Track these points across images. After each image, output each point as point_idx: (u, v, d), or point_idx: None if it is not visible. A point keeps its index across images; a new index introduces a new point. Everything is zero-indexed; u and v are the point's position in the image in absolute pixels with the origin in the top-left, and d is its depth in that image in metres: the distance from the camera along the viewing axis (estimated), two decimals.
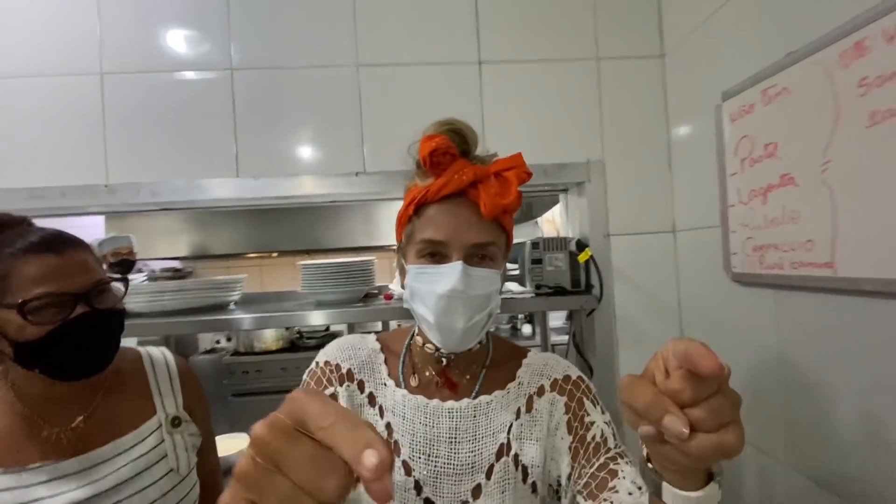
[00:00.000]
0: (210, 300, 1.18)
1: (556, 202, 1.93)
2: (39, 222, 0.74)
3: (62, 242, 0.67)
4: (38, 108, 1.05)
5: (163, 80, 1.08)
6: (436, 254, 0.60)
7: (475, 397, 0.64)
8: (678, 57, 1.12)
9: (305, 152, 1.11)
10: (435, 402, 0.63)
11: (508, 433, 0.62)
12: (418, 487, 0.60)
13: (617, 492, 0.54)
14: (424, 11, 1.12)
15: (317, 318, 1.08)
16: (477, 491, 0.60)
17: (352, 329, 1.93)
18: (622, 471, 0.56)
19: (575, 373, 0.67)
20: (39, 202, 1.02)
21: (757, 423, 0.90)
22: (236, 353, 2.92)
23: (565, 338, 1.26)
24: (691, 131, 1.09)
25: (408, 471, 0.61)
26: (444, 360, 0.65)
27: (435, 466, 0.60)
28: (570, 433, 0.62)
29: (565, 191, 1.27)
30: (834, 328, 0.73)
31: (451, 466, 0.60)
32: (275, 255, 3.04)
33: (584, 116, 1.15)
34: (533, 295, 1.12)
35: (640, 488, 0.53)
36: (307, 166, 1.10)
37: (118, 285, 0.72)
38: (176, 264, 2.94)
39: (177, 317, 1.10)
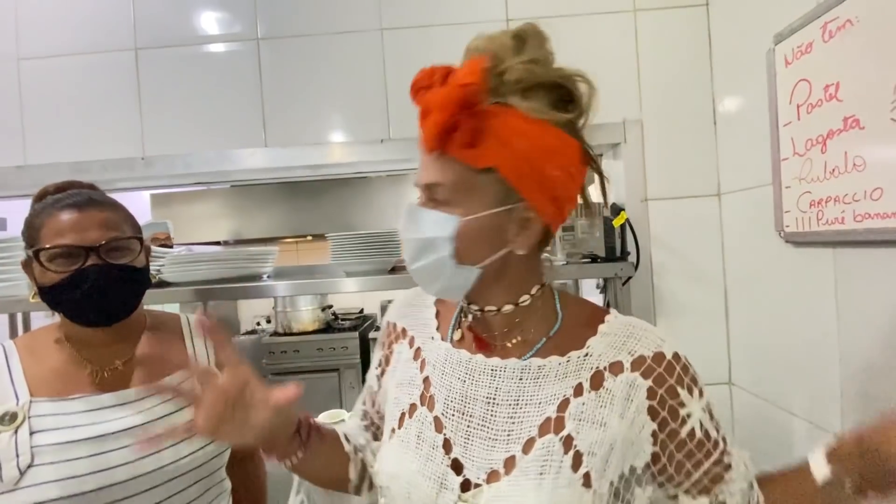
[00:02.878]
0: (244, 270, 1.21)
1: (592, 180, 1.86)
2: None
3: (88, 201, 0.72)
4: (78, 84, 1.09)
5: (193, 53, 1.10)
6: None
7: (526, 359, 0.55)
8: (724, 3, 1.03)
9: (331, 120, 1.10)
10: (478, 357, 0.56)
11: (562, 410, 0.52)
12: (448, 446, 0.55)
13: (733, 481, 0.53)
14: None
15: (347, 286, 1.08)
16: (510, 463, 0.51)
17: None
18: (734, 462, 0.54)
19: (670, 350, 0.53)
20: (83, 175, 1.05)
21: (812, 397, 0.83)
22: (275, 333, 3.02)
23: None
24: (739, 83, 1.00)
25: (439, 427, 0.56)
26: (470, 315, 0.59)
27: (468, 426, 0.55)
28: (653, 420, 0.52)
29: (600, 155, 1.20)
30: None
31: (486, 429, 0.54)
32: (309, 238, 3.10)
33: (620, 73, 1.08)
34: (564, 263, 1.07)
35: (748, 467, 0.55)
36: (333, 134, 1.10)
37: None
38: (216, 249, 3.06)
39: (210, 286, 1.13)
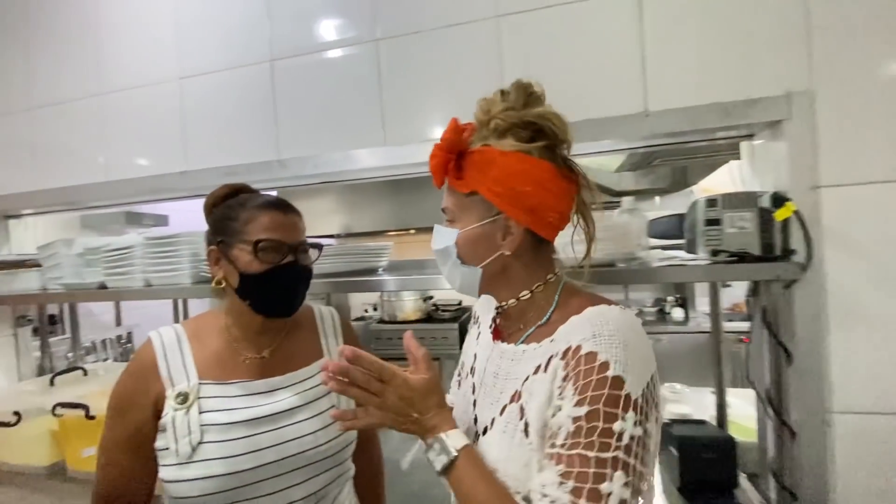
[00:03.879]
0: (363, 264, 1.27)
1: (717, 165, 1.60)
2: None
3: (287, 206, 0.84)
4: (226, 97, 1.22)
5: (318, 60, 1.16)
6: None
7: (518, 344, 0.68)
8: None
9: (446, 116, 1.09)
10: (497, 343, 0.73)
11: (523, 385, 0.63)
12: (475, 405, 0.72)
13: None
14: None
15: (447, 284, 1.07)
16: (493, 423, 0.66)
17: None
18: (547, 469, 0.55)
19: (589, 347, 0.56)
20: (232, 178, 1.19)
21: None
22: (381, 321, 3.19)
23: (737, 325, 1.04)
24: None
25: (473, 391, 0.74)
26: (496, 309, 0.75)
27: (483, 393, 0.71)
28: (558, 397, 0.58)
29: (750, 136, 1.03)
30: None
31: (489, 397, 0.69)
32: (412, 231, 3.20)
33: (783, 38, 0.91)
34: (708, 262, 0.94)
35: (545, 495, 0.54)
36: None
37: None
38: (332, 242, 3.30)
39: (334, 278, 1.20)
